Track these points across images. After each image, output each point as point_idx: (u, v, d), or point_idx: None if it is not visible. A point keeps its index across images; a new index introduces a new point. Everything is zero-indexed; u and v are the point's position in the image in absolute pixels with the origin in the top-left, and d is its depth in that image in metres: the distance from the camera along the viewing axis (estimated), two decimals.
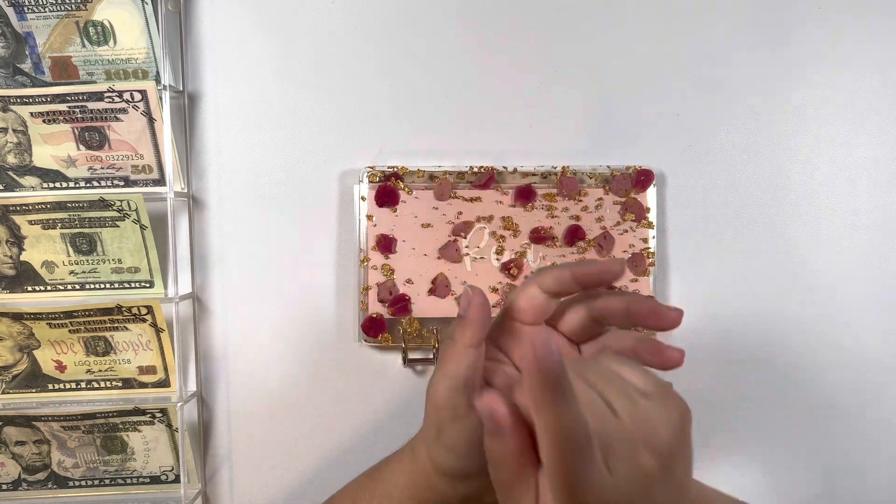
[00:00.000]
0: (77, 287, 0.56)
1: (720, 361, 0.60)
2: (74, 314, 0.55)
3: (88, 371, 0.57)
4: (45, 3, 0.52)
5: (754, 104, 0.58)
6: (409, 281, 0.58)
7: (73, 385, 0.58)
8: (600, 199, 0.58)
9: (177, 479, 0.58)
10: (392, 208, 0.58)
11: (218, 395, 0.60)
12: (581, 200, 0.58)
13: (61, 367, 0.57)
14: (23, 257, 0.56)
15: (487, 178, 0.57)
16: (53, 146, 0.55)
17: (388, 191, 0.57)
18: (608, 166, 0.58)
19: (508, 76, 0.58)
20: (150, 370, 0.57)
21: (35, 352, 0.57)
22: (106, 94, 0.53)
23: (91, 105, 0.53)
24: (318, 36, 0.58)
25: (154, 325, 0.56)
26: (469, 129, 0.58)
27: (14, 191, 0.56)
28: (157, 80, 0.54)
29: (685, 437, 0.36)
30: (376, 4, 0.57)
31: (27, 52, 0.54)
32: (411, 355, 0.58)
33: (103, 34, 0.53)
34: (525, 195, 0.57)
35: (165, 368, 0.57)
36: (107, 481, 0.58)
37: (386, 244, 0.58)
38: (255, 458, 0.60)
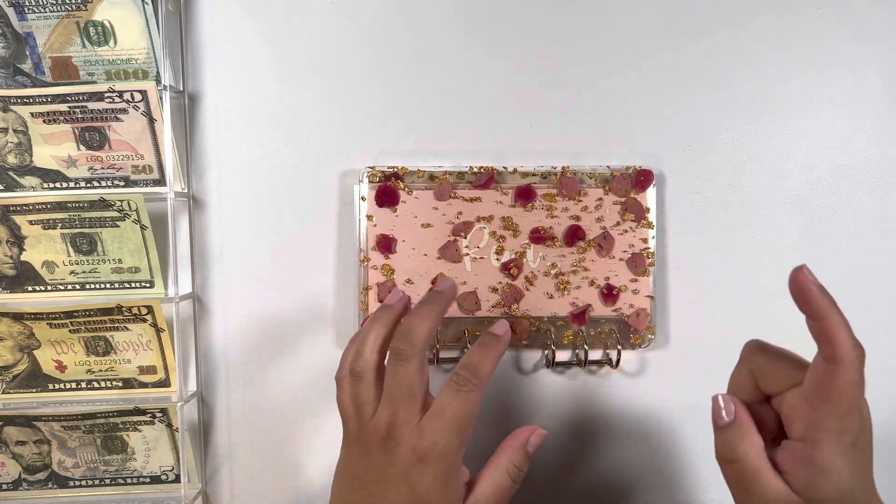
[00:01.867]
0: (77, 287, 0.56)
1: (719, 362, 0.60)
2: (75, 314, 0.55)
3: (89, 371, 0.57)
4: (45, 3, 0.52)
5: (754, 104, 0.58)
6: (409, 281, 0.58)
7: (74, 385, 0.58)
8: (600, 199, 0.58)
9: (177, 479, 0.58)
10: (392, 208, 0.58)
11: (218, 395, 0.60)
12: (581, 200, 0.58)
13: (61, 367, 0.57)
14: (23, 257, 0.56)
15: (487, 178, 0.57)
16: (54, 146, 0.55)
17: (388, 191, 0.57)
18: (608, 166, 0.58)
19: (508, 76, 0.58)
20: (151, 370, 0.57)
21: (35, 352, 0.57)
22: (106, 95, 0.53)
23: (91, 105, 0.53)
24: (318, 36, 0.58)
25: (154, 324, 0.56)
26: (469, 129, 0.58)
27: (14, 191, 0.56)
28: (158, 80, 0.54)
29: None
30: (376, 4, 0.57)
31: (27, 53, 0.54)
32: None
33: (103, 34, 0.53)
34: (525, 195, 0.58)
35: (166, 368, 0.57)
36: (107, 481, 0.58)
37: (386, 244, 0.58)
38: (255, 458, 0.60)
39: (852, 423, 0.39)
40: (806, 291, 0.39)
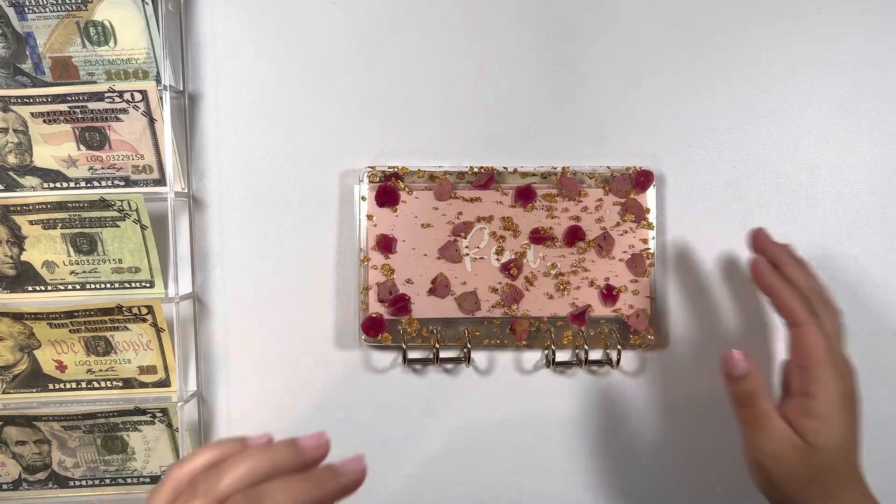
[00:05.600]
0: (77, 287, 0.56)
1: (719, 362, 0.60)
2: (75, 314, 0.55)
3: (89, 371, 0.57)
4: (45, 3, 0.53)
5: (754, 104, 0.58)
6: (409, 281, 0.58)
7: (74, 385, 0.58)
8: (600, 199, 0.58)
9: None
10: (392, 208, 0.58)
11: (218, 395, 0.60)
12: (581, 201, 0.58)
13: (62, 367, 0.57)
14: (23, 257, 0.56)
15: (487, 179, 0.57)
16: (54, 146, 0.55)
17: (388, 191, 0.57)
18: (608, 167, 0.58)
19: (508, 76, 0.58)
20: (151, 370, 0.57)
21: (35, 352, 0.57)
22: (106, 95, 0.53)
23: (92, 105, 0.53)
24: (318, 36, 0.58)
25: (154, 324, 0.56)
26: (469, 129, 0.58)
27: (14, 191, 0.56)
28: (158, 80, 0.54)
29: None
30: (376, 4, 0.57)
31: (28, 53, 0.54)
32: (411, 355, 0.58)
33: (104, 34, 0.53)
34: (525, 195, 0.58)
35: (166, 368, 0.57)
36: (107, 481, 0.58)
37: (386, 244, 0.58)
38: None
39: (836, 378, 0.46)
40: (760, 279, 0.50)
